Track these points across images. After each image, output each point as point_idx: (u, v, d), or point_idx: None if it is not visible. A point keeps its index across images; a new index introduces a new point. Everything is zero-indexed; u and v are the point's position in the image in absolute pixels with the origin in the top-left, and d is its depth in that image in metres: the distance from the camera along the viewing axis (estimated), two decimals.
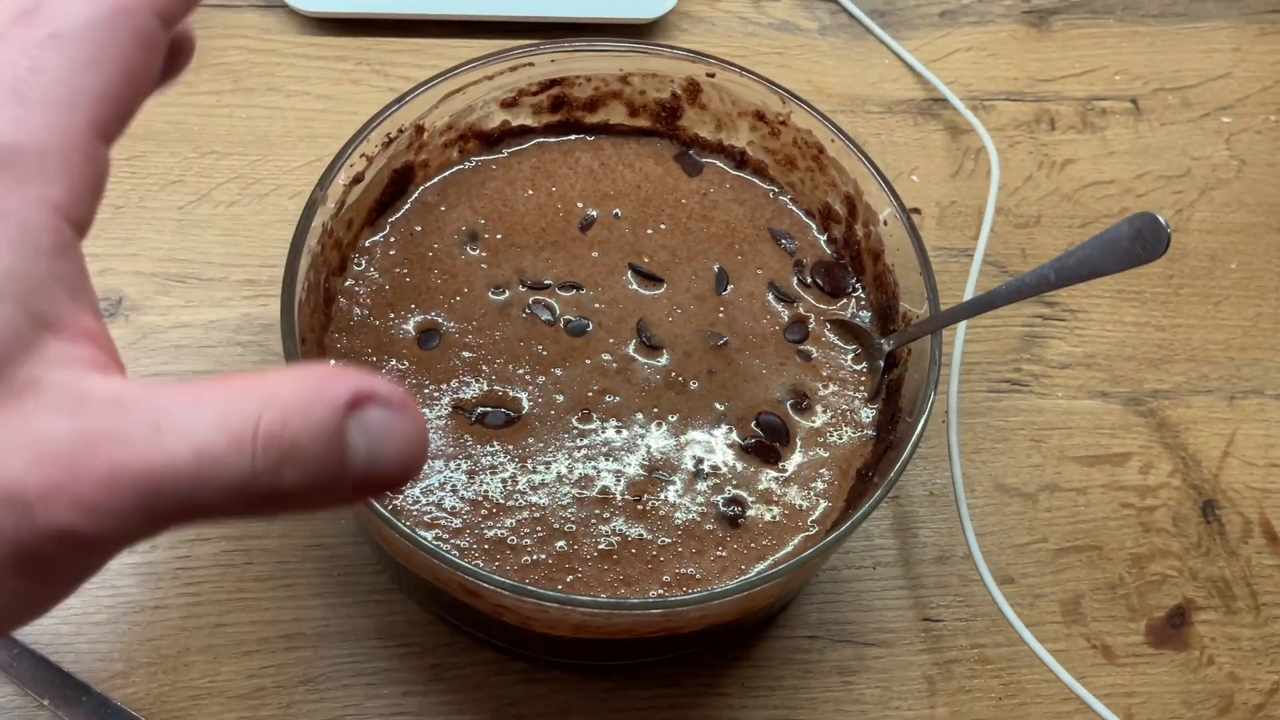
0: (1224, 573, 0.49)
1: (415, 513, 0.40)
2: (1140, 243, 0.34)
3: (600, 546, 0.40)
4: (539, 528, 0.40)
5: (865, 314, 0.46)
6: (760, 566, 0.40)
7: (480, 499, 0.40)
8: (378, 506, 0.36)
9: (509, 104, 0.47)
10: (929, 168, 0.58)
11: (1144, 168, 0.59)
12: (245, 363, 0.49)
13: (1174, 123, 0.61)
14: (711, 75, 0.46)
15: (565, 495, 0.41)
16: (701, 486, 0.42)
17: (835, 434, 0.43)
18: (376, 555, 0.45)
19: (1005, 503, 0.49)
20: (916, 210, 0.56)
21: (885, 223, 0.44)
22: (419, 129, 0.45)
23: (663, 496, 0.41)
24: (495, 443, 0.42)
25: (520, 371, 0.43)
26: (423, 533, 0.39)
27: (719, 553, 0.41)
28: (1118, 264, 0.35)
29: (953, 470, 0.47)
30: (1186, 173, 0.59)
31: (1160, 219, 0.33)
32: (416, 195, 0.46)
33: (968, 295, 0.53)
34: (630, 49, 0.46)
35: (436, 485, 0.40)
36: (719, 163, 0.49)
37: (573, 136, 0.49)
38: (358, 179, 0.43)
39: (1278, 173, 0.60)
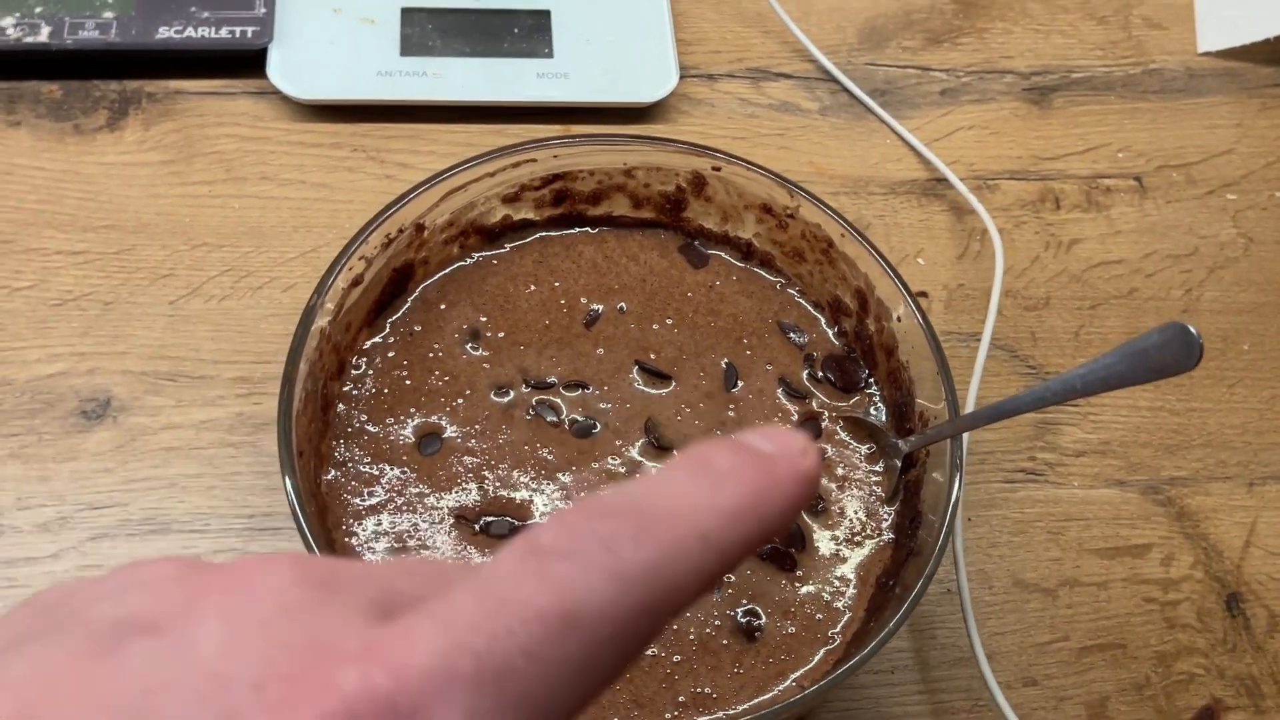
0: (1251, 670, 0.48)
1: None
2: (1170, 353, 0.33)
3: None
4: None
5: (878, 409, 0.45)
6: (780, 684, 0.39)
7: None
8: None
9: (511, 199, 0.46)
10: (934, 250, 0.57)
11: (1151, 247, 0.58)
12: (238, 465, 0.47)
13: (1179, 200, 0.60)
14: (717, 169, 0.45)
15: None
16: (715, 598, 0.40)
17: (853, 539, 0.42)
18: None
19: (1025, 599, 0.48)
20: (924, 294, 0.55)
21: (899, 319, 0.43)
22: (419, 227, 0.44)
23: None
24: None
25: (525, 477, 0.42)
26: None
27: (736, 669, 0.39)
28: (1147, 375, 0.33)
29: (958, 575, 0.46)
30: (1194, 251, 0.58)
31: (1191, 330, 0.32)
32: (417, 294, 0.45)
33: (974, 383, 0.51)
34: (634, 144, 0.45)
35: None
36: (725, 254, 0.48)
37: (575, 229, 0.48)
38: (356, 282, 0.42)
39: None
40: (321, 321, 0.40)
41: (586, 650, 0.17)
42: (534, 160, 0.44)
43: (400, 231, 0.43)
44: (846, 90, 0.61)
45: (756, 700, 0.38)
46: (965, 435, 0.49)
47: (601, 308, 0.46)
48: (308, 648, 0.17)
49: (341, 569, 0.19)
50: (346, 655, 0.16)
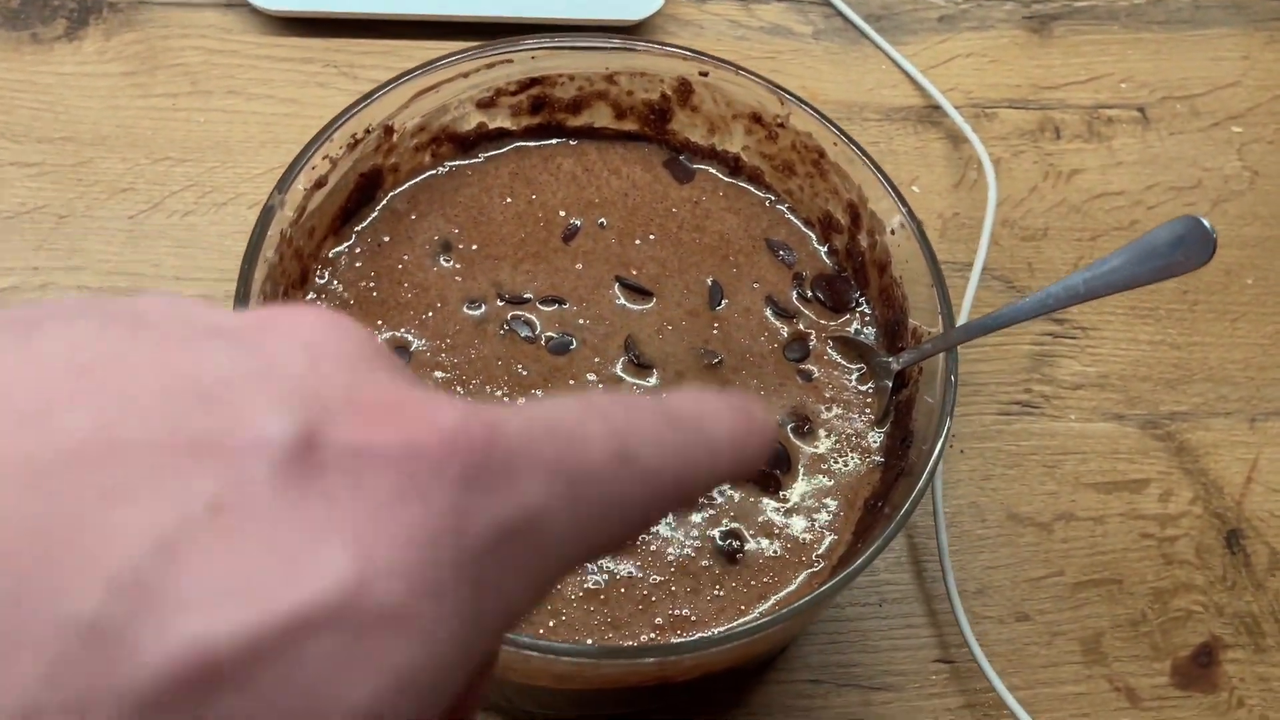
0: (1251, 608, 0.46)
1: None
2: (1182, 250, 0.31)
3: (586, 585, 0.36)
4: None
5: (870, 330, 0.43)
6: (761, 606, 0.37)
7: None
8: None
9: (486, 104, 0.43)
10: (930, 178, 0.55)
11: (1154, 179, 0.56)
12: None
13: (1183, 132, 0.58)
14: (704, 74, 0.43)
15: None
16: (696, 519, 0.38)
17: (840, 460, 0.40)
18: None
19: (1019, 533, 0.46)
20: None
21: (893, 232, 0.41)
22: (388, 130, 0.41)
23: (654, 530, 0.38)
24: None
25: (498, 393, 0.40)
26: None
27: (716, 591, 0.37)
28: (1156, 273, 0.32)
29: (934, 498, 0.44)
30: (1198, 184, 0.56)
31: (1205, 222, 0.30)
32: (385, 202, 0.43)
33: (964, 312, 0.49)
34: (617, 46, 0.43)
35: None
36: (711, 169, 0.46)
37: (554, 140, 0.45)
38: (320, 183, 0.39)
39: None
40: (282, 224, 0.38)
41: (632, 490, 0.17)
42: (510, 61, 0.42)
43: (368, 132, 0.40)
44: (841, 14, 0.59)
45: (736, 623, 0.36)
46: (958, 353, 0.47)
47: (581, 222, 0.44)
48: (397, 386, 0.16)
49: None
50: (440, 401, 0.16)
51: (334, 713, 0.13)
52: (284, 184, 0.37)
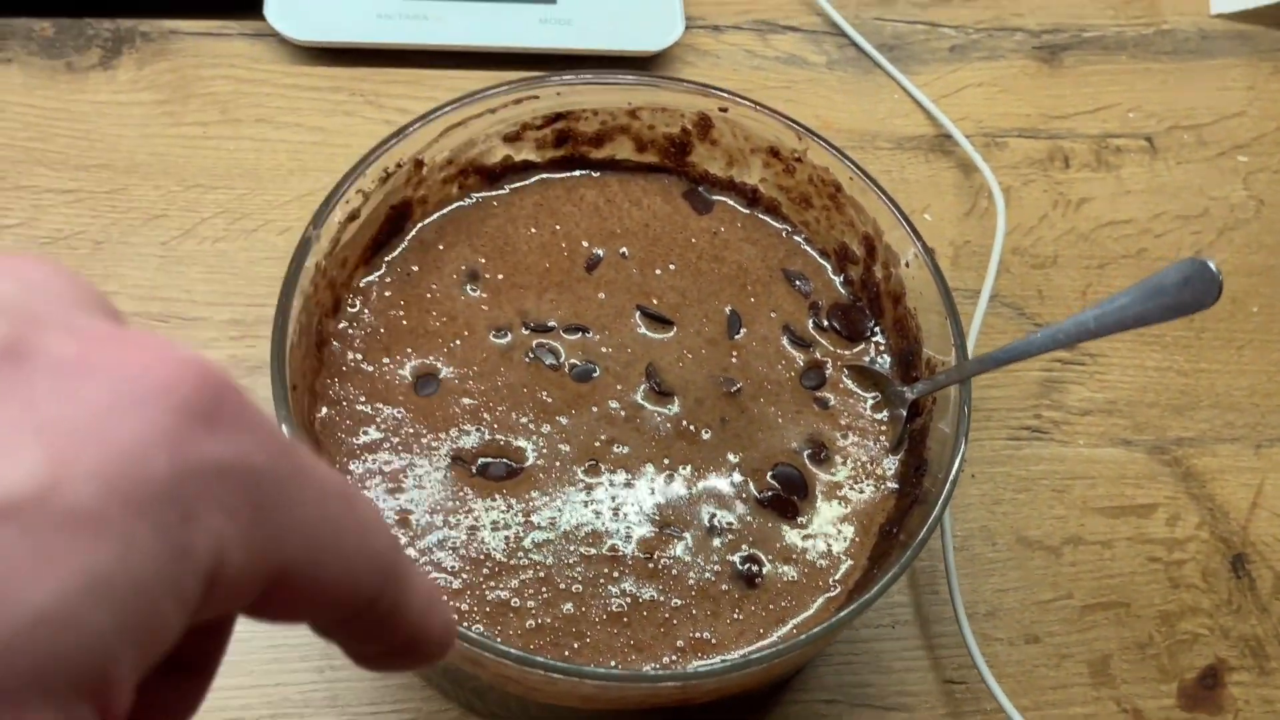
0: (1256, 631, 0.47)
1: None
2: (1189, 291, 0.32)
3: (610, 608, 0.38)
4: (544, 588, 0.38)
5: (885, 359, 0.44)
6: (780, 630, 0.38)
7: (481, 557, 0.38)
8: None
9: (512, 138, 0.45)
10: (941, 206, 0.56)
11: (1161, 207, 0.57)
12: None
13: (1190, 161, 0.59)
14: (724, 110, 0.44)
15: (572, 553, 0.38)
16: (716, 543, 0.39)
17: (856, 487, 0.41)
18: None
19: (1028, 556, 0.47)
20: (930, 250, 0.54)
21: (908, 264, 0.42)
22: (418, 163, 0.43)
23: (675, 554, 0.39)
24: (497, 496, 0.39)
25: (523, 420, 0.41)
26: None
27: (735, 615, 0.38)
28: (1164, 313, 0.33)
29: (944, 523, 0.45)
30: (1204, 213, 0.58)
31: (1211, 265, 0.31)
32: (414, 233, 0.44)
33: (973, 338, 0.51)
34: (639, 82, 0.44)
35: (435, 543, 0.38)
36: (730, 201, 0.47)
37: (577, 173, 0.47)
38: (353, 216, 0.41)
39: None
40: (317, 256, 0.39)
41: (347, 523, 0.17)
42: (536, 97, 0.43)
43: (399, 166, 0.42)
44: (854, 44, 0.60)
45: (755, 646, 0.37)
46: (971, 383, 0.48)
47: (603, 252, 0.45)
48: (123, 327, 0.16)
49: None
50: (175, 343, 0.16)
51: (13, 609, 0.13)
52: (320, 218, 0.39)
